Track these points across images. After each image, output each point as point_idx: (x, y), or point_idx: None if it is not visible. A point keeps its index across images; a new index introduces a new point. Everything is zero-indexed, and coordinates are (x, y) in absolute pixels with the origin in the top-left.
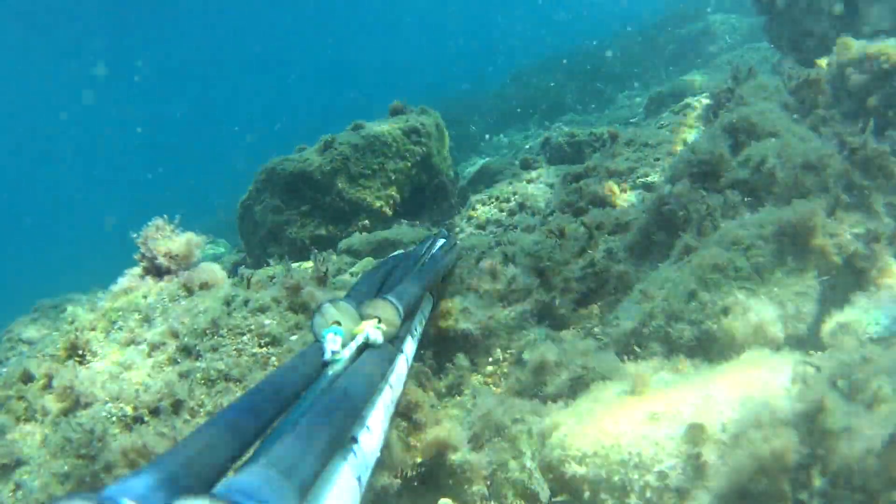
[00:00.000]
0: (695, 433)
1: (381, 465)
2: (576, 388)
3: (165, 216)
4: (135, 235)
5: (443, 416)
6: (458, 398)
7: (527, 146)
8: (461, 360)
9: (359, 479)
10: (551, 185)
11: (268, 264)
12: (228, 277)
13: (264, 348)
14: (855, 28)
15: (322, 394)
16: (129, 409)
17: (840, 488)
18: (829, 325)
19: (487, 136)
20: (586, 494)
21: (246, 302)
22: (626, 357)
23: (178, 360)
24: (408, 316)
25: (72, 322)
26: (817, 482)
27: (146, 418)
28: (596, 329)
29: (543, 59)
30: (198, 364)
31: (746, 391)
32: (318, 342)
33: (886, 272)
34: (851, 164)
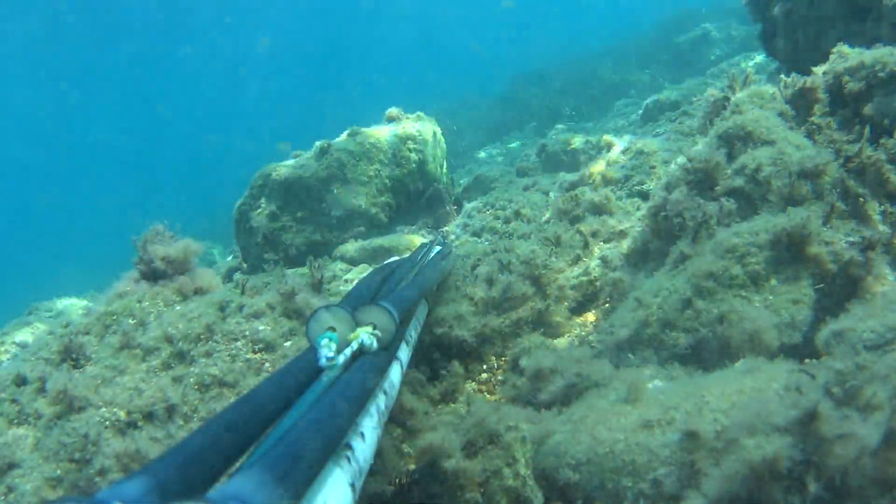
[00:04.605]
0: (689, 441)
1: (375, 471)
2: (570, 395)
3: (166, 222)
4: (134, 238)
5: (437, 423)
6: (453, 405)
7: (522, 153)
8: (456, 367)
9: (352, 485)
10: (547, 193)
11: (263, 270)
12: (224, 283)
13: (258, 354)
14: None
15: (316, 400)
16: (122, 414)
17: (835, 492)
18: (823, 333)
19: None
20: (580, 502)
21: (240, 307)
22: (620, 365)
23: (172, 364)
24: (403, 322)
25: (66, 325)
26: (812, 488)
27: (139, 423)
28: (591, 337)
29: (539, 68)
30: (191, 369)
31: (740, 399)
32: (312, 348)
33: (881, 280)
34: (847, 172)
